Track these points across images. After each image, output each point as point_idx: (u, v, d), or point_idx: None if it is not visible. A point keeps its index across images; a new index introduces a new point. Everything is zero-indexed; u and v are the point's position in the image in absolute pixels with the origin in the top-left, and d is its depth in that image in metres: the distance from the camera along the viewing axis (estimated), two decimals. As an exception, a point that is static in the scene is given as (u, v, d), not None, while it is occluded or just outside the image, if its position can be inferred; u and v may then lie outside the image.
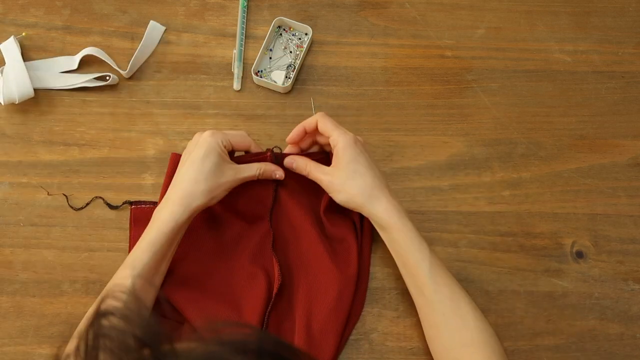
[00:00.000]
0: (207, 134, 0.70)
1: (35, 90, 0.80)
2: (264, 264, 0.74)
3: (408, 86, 0.85)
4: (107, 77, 0.82)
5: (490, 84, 0.85)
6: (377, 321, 0.74)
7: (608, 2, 0.89)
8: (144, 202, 0.77)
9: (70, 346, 0.40)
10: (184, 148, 0.74)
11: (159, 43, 0.86)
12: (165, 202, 0.68)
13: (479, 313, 0.67)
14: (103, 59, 0.83)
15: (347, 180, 0.69)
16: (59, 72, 0.83)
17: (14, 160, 0.80)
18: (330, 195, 0.71)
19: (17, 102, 0.80)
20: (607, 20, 0.89)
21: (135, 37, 0.85)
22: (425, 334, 0.69)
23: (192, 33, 0.86)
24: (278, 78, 0.83)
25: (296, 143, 0.75)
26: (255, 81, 0.84)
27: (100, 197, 0.78)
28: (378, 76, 0.85)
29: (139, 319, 0.41)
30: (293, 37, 0.86)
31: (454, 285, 0.68)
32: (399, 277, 0.75)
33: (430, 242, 0.71)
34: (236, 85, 0.84)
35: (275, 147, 0.74)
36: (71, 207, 0.78)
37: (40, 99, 0.82)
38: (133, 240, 0.75)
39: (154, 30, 0.85)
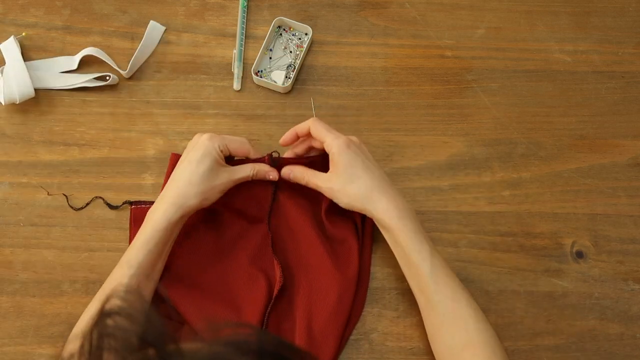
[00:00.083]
0: (205, 137, 0.70)
1: (35, 90, 0.80)
2: (263, 266, 0.74)
3: (408, 86, 0.85)
4: (107, 77, 0.82)
5: (490, 84, 0.85)
6: (377, 321, 0.74)
7: (608, 2, 0.89)
8: (144, 202, 0.77)
9: (74, 346, 0.40)
10: (184, 148, 0.74)
11: (159, 43, 0.86)
12: (160, 202, 0.69)
13: (481, 314, 0.67)
14: (103, 59, 0.83)
15: (345, 185, 0.69)
16: (59, 72, 0.83)
17: (14, 160, 0.80)
18: (334, 200, 0.71)
19: (17, 102, 0.80)
20: (607, 20, 0.89)
21: (135, 37, 0.85)
22: (428, 334, 0.69)
23: (192, 33, 0.86)
24: (278, 78, 0.83)
25: (288, 145, 0.75)
26: (255, 81, 0.84)
27: (100, 197, 0.78)
28: (378, 76, 0.85)
29: (143, 319, 0.41)
30: (293, 37, 0.86)
31: (456, 286, 0.68)
32: (399, 277, 0.75)
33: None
34: (236, 85, 0.84)
35: (274, 151, 0.74)
36: (71, 207, 0.78)
37: (40, 99, 0.82)
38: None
39: (154, 30, 0.85)
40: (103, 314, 0.40)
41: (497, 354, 0.65)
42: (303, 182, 0.72)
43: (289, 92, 0.84)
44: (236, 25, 0.86)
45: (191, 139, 0.73)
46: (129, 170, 0.80)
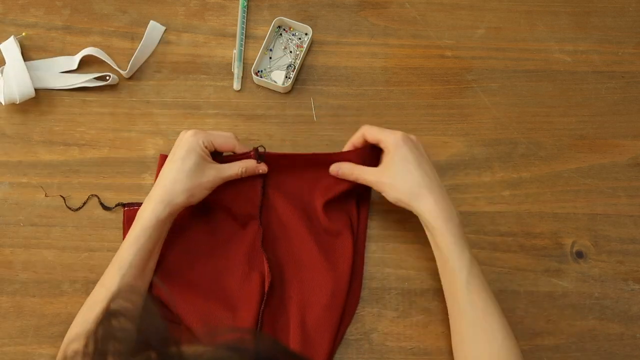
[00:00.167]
0: (189, 133, 0.71)
1: (35, 90, 0.80)
2: (256, 263, 0.74)
3: (408, 86, 0.85)
4: (107, 77, 0.82)
5: (490, 84, 0.85)
6: (377, 321, 0.74)
7: (608, 2, 0.89)
8: (137, 204, 0.76)
9: (78, 344, 0.40)
10: (184, 148, 0.74)
11: (159, 43, 0.86)
12: (148, 201, 0.69)
13: (510, 331, 0.66)
14: (103, 59, 0.83)
15: (396, 180, 0.69)
16: (59, 72, 0.83)
17: (14, 160, 0.80)
18: (382, 194, 0.71)
19: (17, 102, 0.80)
20: (607, 20, 0.89)
21: (135, 37, 0.85)
22: (452, 342, 0.69)
23: (192, 33, 0.86)
24: (278, 78, 0.83)
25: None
26: (255, 81, 0.84)
27: (96, 196, 0.78)
28: (378, 76, 0.85)
29: (148, 321, 0.41)
30: (293, 37, 0.86)
31: (489, 299, 0.67)
32: (399, 277, 0.75)
33: (430, 242, 0.71)
34: (236, 85, 0.84)
35: (260, 146, 0.74)
36: (69, 208, 0.78)
37: (40, 99, 0.82)
38: None
39: (154, 30, 0.85)
40: (108, 314, 0.40)
41: None
42: (352, 177, 0.73)
43: (289, 92, 0.84)
44: (236, 25, 0.86)
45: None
46: (129, 170, 0.80)
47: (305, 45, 0.85)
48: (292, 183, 0.76)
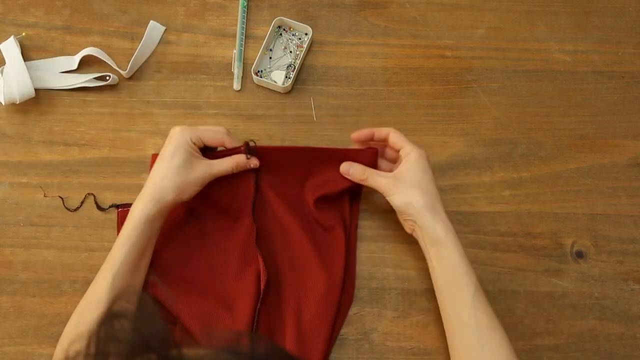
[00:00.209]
0: (177, 130, 0.70)
1: (35, 90, 0.80)
2: (251, 259, 0.74)
3: (408, 86, 0.85)
4: (107, 77, 0.82)
5: (490, 84, 0.85)
6: (377, 321, 0.74)
7: (608, 2, 0.90)
8: (131, 205, 0.76)
9: (80, 345, 0.40)
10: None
11: (159, 43, 0.86)
12: (138, 200, 0.69)
13: (512, 349, 0.66)
14: (103, 59, 0.83)
15: (412, 186, 0.70)
16: (59, 72, 0.83)
17: (14, 160, 0.80)
18: (386, 197, 0.71)
19: (17, 102, 0.80)
20: (607, 20, 0.89)
21: (135, 37, 0.85)
22: (451, 354, 0.68)
23: (192, 33, 0.86)
24: (278, 78, 0.83)
25: (358, 141, 0.75)
26: (255, 81, 0.84)
27: (92, 194, 0.78)
28: (378, 76, 0.85)
29: (148, 322, 0.41)
30: (293, 37, 0.86)
31: (493, 316, 0.67)
32: (399, 277, 0.75)
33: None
34: (236, 85, 0.84)
35: (250, 140, 0.73)
36: (67, 208, 0.78)
37: (40, 99, 0.82)
38: None
39: (154, 30, 0.85)
40: (110, 315, 0.40)
41: None
42: (362, 178, 0.73)
43: (289, 92, 0.84)
44: (236, 25, 0.86)
45: None
46: (129, 170, 0.80)
47: (305, 45, 0.85)
48: (285, 177, 0.75)
